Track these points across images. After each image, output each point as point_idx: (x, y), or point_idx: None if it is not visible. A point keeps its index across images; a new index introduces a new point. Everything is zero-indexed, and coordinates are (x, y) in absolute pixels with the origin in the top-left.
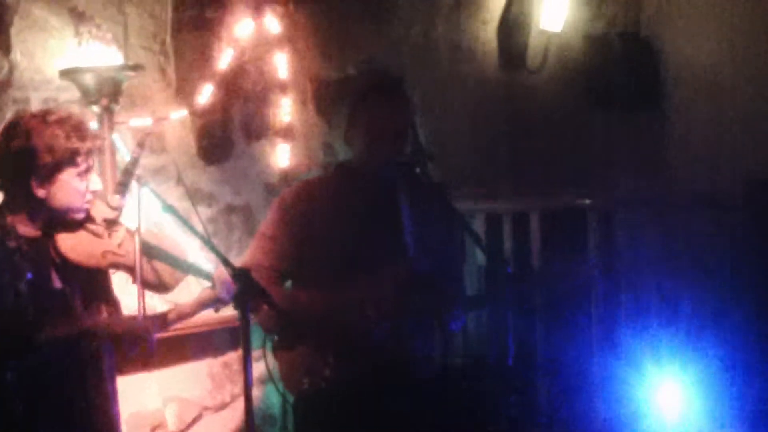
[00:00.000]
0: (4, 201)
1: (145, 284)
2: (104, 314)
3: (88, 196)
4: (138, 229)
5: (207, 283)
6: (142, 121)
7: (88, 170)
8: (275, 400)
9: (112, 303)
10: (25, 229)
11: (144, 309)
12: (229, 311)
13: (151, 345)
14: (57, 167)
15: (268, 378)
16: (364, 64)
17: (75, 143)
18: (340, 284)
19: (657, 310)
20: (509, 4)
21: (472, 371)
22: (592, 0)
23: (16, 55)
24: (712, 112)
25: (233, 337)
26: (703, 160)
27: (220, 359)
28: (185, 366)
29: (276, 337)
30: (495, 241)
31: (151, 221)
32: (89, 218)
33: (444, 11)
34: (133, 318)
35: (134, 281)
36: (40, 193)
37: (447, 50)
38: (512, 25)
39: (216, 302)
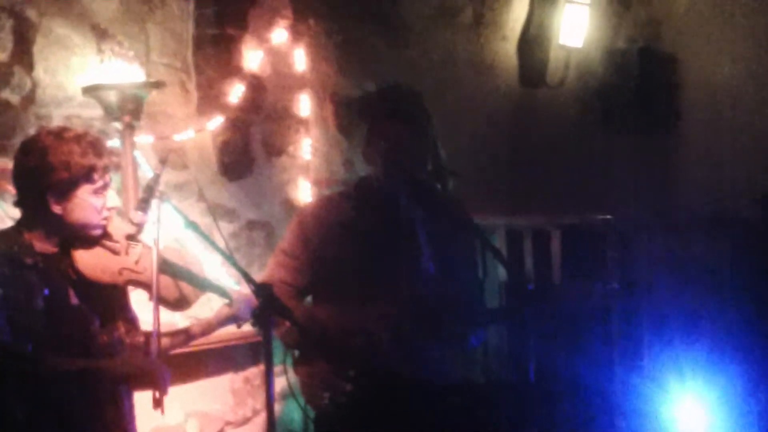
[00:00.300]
0: (22, 217)
1: (163, 301)
2: (121, 331)
3: (105, 213)
4: (156, 245)
5: (225, 300)
6: (163, 137)
7: (104, 187)
8: (296, 416)
9: (130, 320)
10: (42, 245)
11: (158, 327)
12: (248, 327)
13: (165, 385)
14: (73, 183)
15: (289, 393)
16: (383, 81)
17: (91, 159)
18: (359, 302)
19: (678, 326)
20: (529, 19)
21: (493, 389)
22: (612, 15)
23: (39, 72)
24: (730, 129)
25: (254, 353)
26: (721, 177)
27: (242, 374)
28: (207, 381)
29: (296, 352)
30: (515, 257)
31: (172, 237)
32: (107, 235)
33: (464, 27)
34: (147, 358)
35: (151, 298)
36: (57, 209)
37: (467, 66)
38: (532, 41)
39: (235, 320)
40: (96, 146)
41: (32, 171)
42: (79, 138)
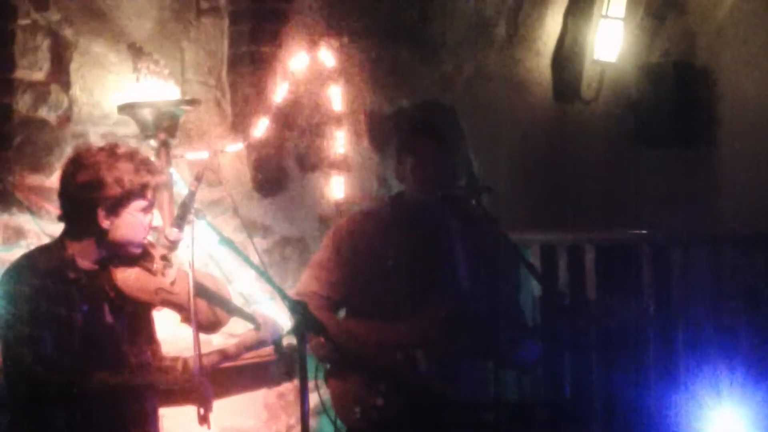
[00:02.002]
0: (66, 231)
1: (197, 324)
2: (148, 353)
3: (148, 231)
4: (191, 265)
5: (251, 325)
6: (198, 154)
7: (152, 205)
8: (328, 430)
9: (154, 343)
10: (84, 262)
11: (199, 347)
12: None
13: (210, 402)
14: (126, 199)
15: (321, 408)
16: (417, 97)
17: (144, 177)
18: (392, 317)
19: (715, 342)
20: (563, 34)
21: (527, 407)
22: (647, 29)
23: (76, 90)
24: (766, 143)
25: (288, 368)
26: (759, 192)
27: (276, 390)
28: (241, 396)
29: (328, 366)
30: (550, 272)
31: (206, 253)
32: (145, 255)
33: (497, 43)
34: (193, 375)
35: (183, 320)
36: (105, 224)
37: (500, 82)
38: (566, 56)
39: (260, 345)
40: (148, 164)
41: (84, 186)
42: (131, 155)
